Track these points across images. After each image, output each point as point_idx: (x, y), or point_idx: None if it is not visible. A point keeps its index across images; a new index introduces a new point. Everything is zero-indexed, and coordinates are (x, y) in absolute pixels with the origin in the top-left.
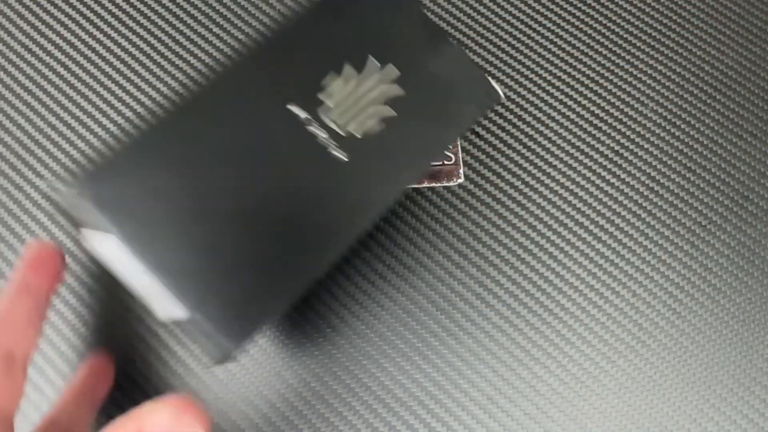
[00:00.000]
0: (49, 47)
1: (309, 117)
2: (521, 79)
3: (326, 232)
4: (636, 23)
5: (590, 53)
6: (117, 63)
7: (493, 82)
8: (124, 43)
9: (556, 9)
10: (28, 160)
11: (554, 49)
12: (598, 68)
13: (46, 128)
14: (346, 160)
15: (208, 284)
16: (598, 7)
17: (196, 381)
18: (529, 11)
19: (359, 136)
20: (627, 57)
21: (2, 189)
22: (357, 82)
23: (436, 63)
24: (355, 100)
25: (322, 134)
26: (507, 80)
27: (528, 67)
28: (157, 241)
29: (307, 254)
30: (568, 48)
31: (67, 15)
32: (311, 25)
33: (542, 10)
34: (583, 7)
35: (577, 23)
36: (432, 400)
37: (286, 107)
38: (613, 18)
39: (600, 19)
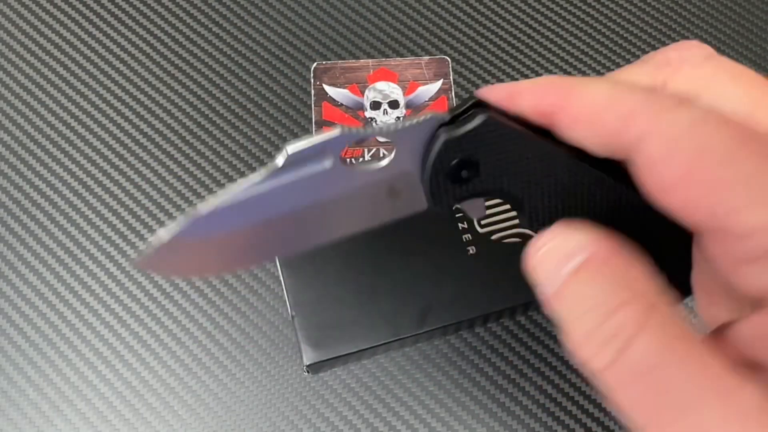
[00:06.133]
0: (49, 47)
1: (467, 230)
2: (521, 79)
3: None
4: (636, 23)
5: (590, 53)
6: (117, 63)
7: None
8: (124, 43)
9: (556, 9)
10: (28, 160)
11: (554, 48)
12: (598, 68)
13: (46, 129)
14: (473, 253)
15: (322, 308)
16: (598, 6)
17: (205, 372)
18: (529, 11)
19: (493, 240)
20: (627, 57)
21: (2, 189)
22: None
23: None
24: (507, 226)
25: (467, 235)
26: (506, 80)
27: (528, 67)
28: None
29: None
30: (568, 48)
31: (67, 15)
32: None
33: (542, 9)
34: (584, 7)
35: (577, 23)
36: (432, 400)
37: (456, 224)
38: (613, 18)
39: (600, 18)
